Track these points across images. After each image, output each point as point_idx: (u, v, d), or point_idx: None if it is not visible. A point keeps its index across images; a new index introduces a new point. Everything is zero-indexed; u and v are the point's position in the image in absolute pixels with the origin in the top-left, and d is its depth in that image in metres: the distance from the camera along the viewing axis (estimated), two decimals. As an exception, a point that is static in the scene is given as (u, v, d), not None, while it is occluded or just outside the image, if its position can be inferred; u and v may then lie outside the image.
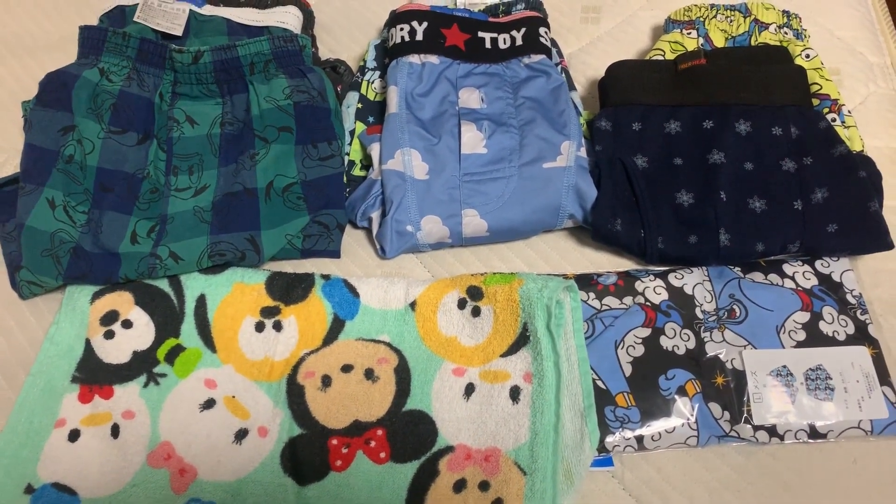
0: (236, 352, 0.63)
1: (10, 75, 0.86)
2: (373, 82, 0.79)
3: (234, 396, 0.61)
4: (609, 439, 0.59)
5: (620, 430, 0.59)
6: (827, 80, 0.77)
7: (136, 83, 0.71)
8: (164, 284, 0.65)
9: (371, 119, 0.77)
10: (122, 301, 0.64)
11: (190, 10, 0.78)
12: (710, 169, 0.69)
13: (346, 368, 0.62)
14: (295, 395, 0.61)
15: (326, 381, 0.61)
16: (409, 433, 0.59)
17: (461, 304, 0.63)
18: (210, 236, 0.65)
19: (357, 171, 0.75)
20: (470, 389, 0.60)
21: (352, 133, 0.76)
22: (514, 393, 0.59)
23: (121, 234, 0.66)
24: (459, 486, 0.57)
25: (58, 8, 0.93)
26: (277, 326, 0.64)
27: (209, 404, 0.61)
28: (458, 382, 0.61)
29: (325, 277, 0.67)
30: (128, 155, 0.69)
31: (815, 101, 0.76)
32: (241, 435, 0.60)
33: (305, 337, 0.64)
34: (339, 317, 0.65)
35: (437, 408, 0.60)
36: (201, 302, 0.65)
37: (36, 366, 0.62)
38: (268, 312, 0.65)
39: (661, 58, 0.80)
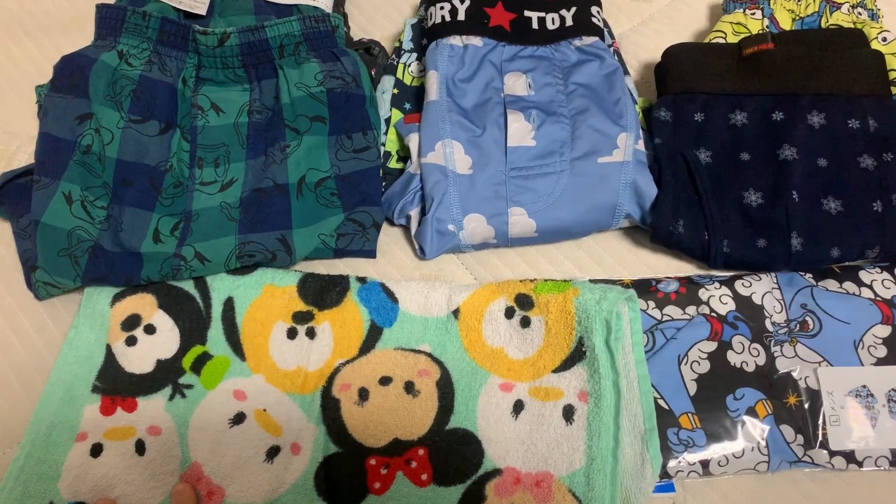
0: (267, 360, 0.59)
1: (24, 56, 0.81)
2: (409, 65, 0.74)
3: (265, 410, 0.57)
4: (671, 464, 0.54)
5: (684, 453, 0.54)
6: (905, 65, 0.71)
7: (157, 67, 0.66)
8: (188, 286, 0.61)
9: (408, 106, 0.72)
10: (144, 304, 0.60)
11: (214, -14, 0.73)
12: (780, 165, 0.63)
13: (385, 381, 0.58)
14: (330, 410, 0.57)
15: (363, 394, 0.57)
16: (453, 454, 0.55)
17: (509, 314, 0.58)
18: (238, 236, 0.60)
19: (393, 164, 0.69)
20: (519, 407, 0.56)
21: (387, 121, 0.70)
22: (568, 413, 0.54)
23: (143, 232, 0.62)
24: None
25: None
26: (311, 333, 0.60)
27: (239, 419, 0.57)
28: (505, 399, 0.56)
29: (361, 280, 0.62)
30: (149, 146, 0.64)
31: (894, 90, 0.69)
32: (272, 453, 0.55)
33: (340, 345, 0.60)
34: (377, 324, 0.60)
35: (483, 426, 0.56)
36: (229, 305, 0.60)
37: (54, 373, 0.58)
38: (300, 318, 0.60)
39: (722, 41, 0.73)
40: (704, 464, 0.54)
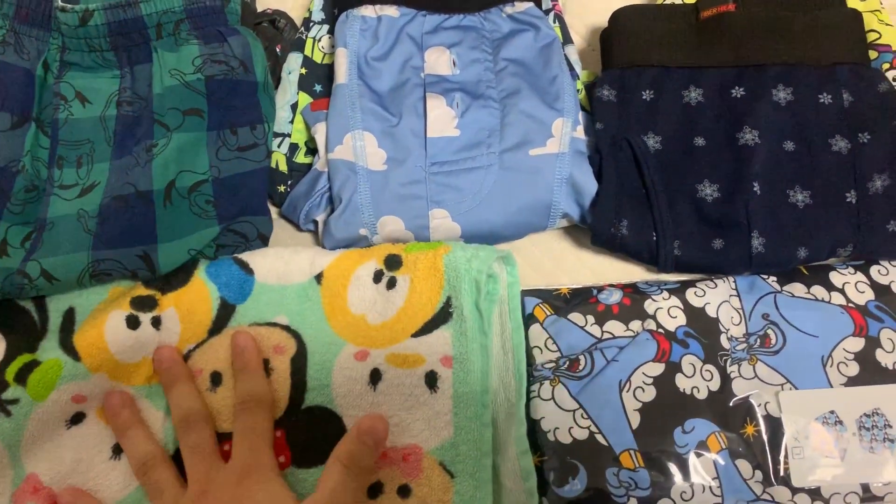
0: (106, 355, 0.51)
1: None
2: (319, 40, 0.64)
3: None
4: (611, 510, 0.47)
5: (625, 498, 0.47)
6: (887, 25, 0.62)
7: (12, 49, 0.56)
8: (24, 300, 0.53)
9: (318, 88, 0.62)
10: None
11: (89, -48, 0.62)
12: (740, 152, 0.55)
13: None
14: None
15: (216, 378, 0.51)
16: (312, 433, 0.49)
17: (377, 277, 0.52)
18: (92, 252, 0.51)
19: (301, 158, 0.60)
20: (376, 376, 0.49)
21: (294, 108, 0.61)
22: (431, 380, 0.49)
23: (-14, 244, 0.53)
24: (375, 490, 0.47)
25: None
26: (156, 323, 0.52)
27: (77, 419, 0.50)
28: (360, 368, 0.50)
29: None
30: None
31: (873, 55, 0.60)
32: (118, 449, 0.49)
33: (188, 329, 0.52)
34: (228, 301, 0.53)
35: (340, 402, 0.50)
36: (69, 316, 0.53)
37: None
38: (140, 304, 0.52)
39: (679, 1, 0.64)
40: (649, 508, 0.47)
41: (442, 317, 0.51)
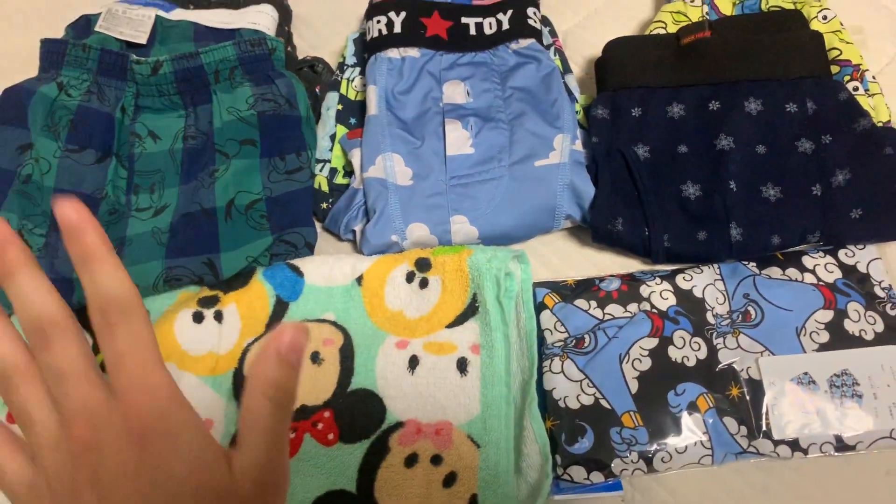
0: (175, 348, 0.59)
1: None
2: (353, 80, 0.74)
3: None
4: (616, 463, 0.54)
5: (627, 453, 0.54)
6: (847, 42, 0.70)
7: (95, 97, 0.67)
8: None
9: (353, 121, 0.72)
10: None
11: (157, 15, 0.74)
12: (717, 156, 0.63)
13: None
14: (241, 387, 0.58)
15: None
16: (356, 412, 0.57)
17: (409, 278, 0.61)
18: (165, 260, 0.61)
19: (340, 180, 0.70)
20: (414, 362, 0.58)
21: (333, 138, 0.71)
22: (462, 365, 0.57)
23: (77, 259, 0.63)
24: (411, 460, 0.54)
25: (28, 23, 0.88)
26: (218, 317, 0.60)
27: None
28: (401, 356, 0.58)
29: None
30: (86, 174, 0.65)
31: (835, 69, 0.69)
32: None
33: (248, 325, 0.61)
34: (283, 299, 0.62)
35: (382, 385, 0.58)
36: None
37: None
38: (205, 302, 0.61)
39: (662, 31, 0.73)
40: (648, 461, 0.54)
41: (470, 310, 0.59)
